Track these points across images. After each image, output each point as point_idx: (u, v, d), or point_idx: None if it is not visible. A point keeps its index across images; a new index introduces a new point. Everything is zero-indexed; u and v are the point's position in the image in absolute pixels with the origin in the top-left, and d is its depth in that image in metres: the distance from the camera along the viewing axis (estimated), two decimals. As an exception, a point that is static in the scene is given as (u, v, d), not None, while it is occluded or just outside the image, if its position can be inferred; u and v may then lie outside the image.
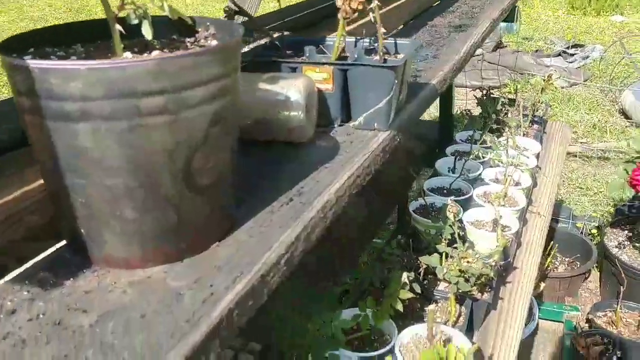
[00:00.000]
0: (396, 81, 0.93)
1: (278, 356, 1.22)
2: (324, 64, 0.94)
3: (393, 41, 1.05)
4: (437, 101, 2.78)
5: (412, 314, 1.36)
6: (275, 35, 1.06)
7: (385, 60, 0.96)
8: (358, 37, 1.05)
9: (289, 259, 0.68)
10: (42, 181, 0.68)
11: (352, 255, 1.94)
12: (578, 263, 2.92)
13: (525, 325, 2.34)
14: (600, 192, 3.94)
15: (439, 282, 1.48)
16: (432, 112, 3.71)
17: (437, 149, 2.46)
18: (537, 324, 2.72)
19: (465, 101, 4.06)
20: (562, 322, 2.72)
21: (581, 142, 4.73)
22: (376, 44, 0.96)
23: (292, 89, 0.87)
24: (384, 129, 0.97)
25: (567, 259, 2.98)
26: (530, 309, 2.46)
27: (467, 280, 1.28)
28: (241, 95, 0.91)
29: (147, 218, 0.60)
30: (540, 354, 2.62)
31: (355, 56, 0.99)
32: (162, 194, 0.59)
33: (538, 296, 2.73)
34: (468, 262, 1.26)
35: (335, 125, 0.99)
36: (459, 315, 1.39)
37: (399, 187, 2.29)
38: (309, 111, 0.90)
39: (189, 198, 0.62)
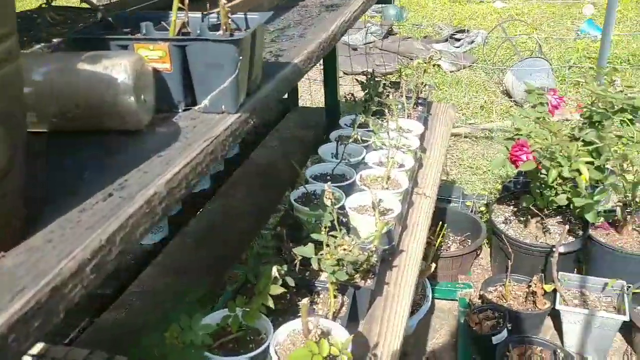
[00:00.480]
0: (241, 57, 0.84)
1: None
2: (157, 40, 0.83)
3: (243, 16, 0.96)
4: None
5: (291, 309, 1.28)
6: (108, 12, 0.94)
7: (231, 35, 0.87)
8: (205, 12, 0.95)
9: (98, 265, 0.57)
10: None
11: (238, 251, 1.85)
12: (469, 241, 2.99)
13: (420, 306, 2.35)
14: (489, 170, 4.08)
15: (320, 273, 1.42)
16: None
17: (325, 136, 2.41)
18: (433, 304, 2.76)
19: (352, 86, 4.05)
20: (457, 300, 2.77)
21: (470, 124, 4.89)
22: (223, 18, 0.87)
23: (117, 69, 0.76)
24: (233, 112, 0.87)
25: (458, 238, 3.05)
26: (424, 290, 2.47)
27: (344, 268, 1.22)
28: (57, 77, 0.79)
29: None
30: (437, 333, 2.66)
31: (198, 32, 0.89)
32: None
33: (432, 277, 2.76)
34: (345, 249, 1.20)
35: (180, 110, 0.89)
36: (342, 306, 1.33)
37: (288, 177, 2.22)
38: (141, 94, 0.79)
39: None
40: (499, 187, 3.63)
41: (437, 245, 2.51)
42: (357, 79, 2.24)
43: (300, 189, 1.67)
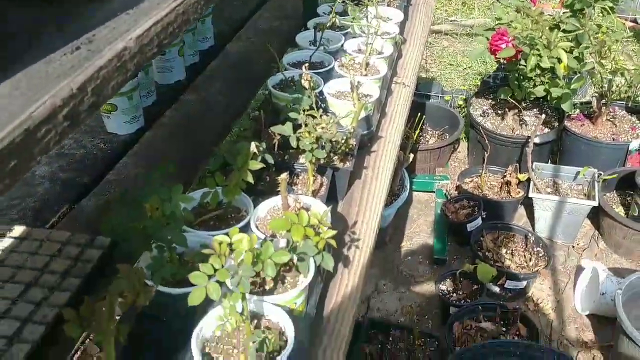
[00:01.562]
0: None
1: (128, 247, 1.13)
2: None
3: None
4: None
5: (270, 190, 1.29)
6: None
7: None
8: None
9: (71, 113, 0.56)
10: None
11: (214, 143, 1.84)
12: (447, 135, 3.01)
13: (399, 196, 2.40)
14: (469, 67, 4.05)
15: (299, 156, 1.42)
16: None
17: (303, 27, 2.35)
18: (411, 196, 2.82)
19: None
20: (434, 192, 2.83)
21: (451, 20, 4.79)
22: None
23: None
24: (204, -28, 0.83)
25: (437, 132, 3.07)
26: (403, 181, 2.52)
27: (323, 148, 1.23)
28: None
29: None
30: (415, 223, 2.73)
31: None
32: None
33: (411, 170, 2.81)
34: (323, 128, 1.20)
35: (148, -28, 0.84)
36: (321, 186, 1.35)
37: (264, 70, 2.18)
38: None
39: None
40: (478, 82, 3.62)
41: (415, 137, 2.53)
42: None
43: (278, 75, 1.64)
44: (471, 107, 2.91)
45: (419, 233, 2.67)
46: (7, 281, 1.16)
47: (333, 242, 1.02)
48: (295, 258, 1.01)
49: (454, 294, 2.22)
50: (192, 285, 0.92)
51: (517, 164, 2.63)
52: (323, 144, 1.24)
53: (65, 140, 0.57)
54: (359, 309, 1.39)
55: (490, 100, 2.93)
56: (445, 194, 2.79)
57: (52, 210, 1.45)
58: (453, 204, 2.61)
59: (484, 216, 2.52)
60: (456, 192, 2.79)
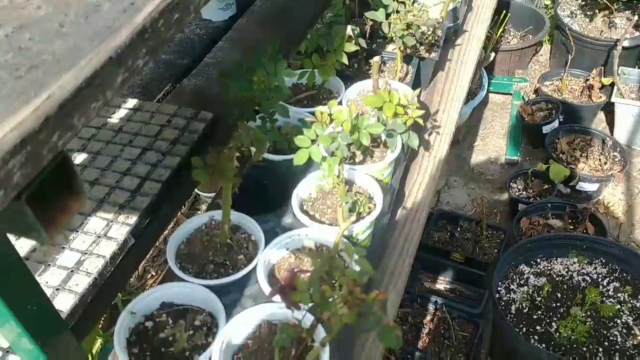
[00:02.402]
0: None
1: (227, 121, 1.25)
2: None
3: None
4: None
5: (360, 76, 1.37)
6: None
7: None
8: None
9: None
10: None
11: (305, 32, 1.90)
12: (530, 36, 2.94)
13: (476, 95, 2.42)
14: (559, -35, 3.82)
15: (386, 45, 1.47)
16: None
17: None
18: (487, 97, 2.82)
19: None
20: (511, 94, 2.82)
21: None
22: None
23: None
24: None
25: (519, 33, 3.00)
26: (481, 80, 2.52)
27: (413, 36, 1.28)
28: None
29: None
30: (489, 124, 2.75)
31: None
32: None
33: (489, 69, 2.79)
34: (414, 15, 1.24)
35: None
36: (406, 74, 1.41)
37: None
38: None
39: None
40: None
41: (497, 36, 2.50)
42: None
43: (368, -35, 1.66)
44: (559, 7, 2.81)
45: (492, 134, 2.70)
46: (126, 145, 1.32)
47: (420, 121, 1.10)
48: (383, 136, 1.10)
49: (524, 192, 2.28)
50: (290, 153, 1.03)
51: (602, 68, 2.56)
52: (413, 32, 1.28)
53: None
54: (436, 187, 1.48)
55: (579, 1, 2.82)
56: (522, 96, 2.77)
57: (157, 88, 1.59)
58: (530, 106, 2.60)
59: (562, 120, 2.50)
60: (534, 95, 2.76)
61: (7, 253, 0.60)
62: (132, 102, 1.43)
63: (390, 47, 1.46)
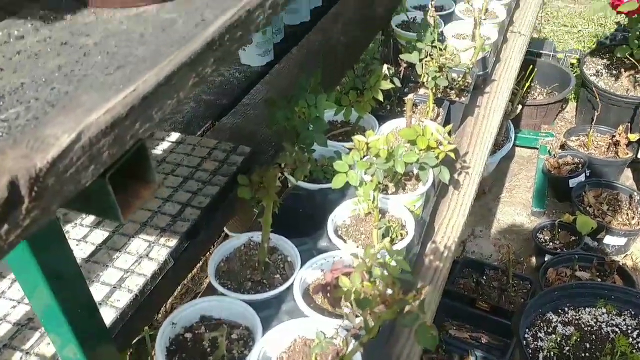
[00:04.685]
0: None
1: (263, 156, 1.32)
2: None
3: None
4: None
5: (392, 117, 1.43)
6: None
7: None
8: None
9: (273, 3, 0.72)
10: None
11: (338, 76, 1.99)
12: (556, 93, 3.00)
13: (502, 146, 2.47)
14: (585, 28, 3.93)
15: (418, 89, 1.54)
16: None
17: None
18: (514, 151, 2.87)
19: None
20: (537, 148, 2.86)
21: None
22: None
23: None
24: None
25: (545, 90, 3.06)
26: (507, 132, 2.57)
27: (445, 78, 1.34)
28: None
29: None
30: (515, 177, 2.79)
31: None
32: None
33: (515, 123, 2.84)
34: (447, 58, 1.31)
35: None
36: (437, 116, 1.47)
37: (385, 12, 2.29)
38: None
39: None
40: (593, 45, 3.53)
41: (524, 90, 2.56)
42: None
43: (401, 15, 1.76)
44: (584, 65, 2.88)
45: (518, 186, 2.73)
46: (169, 174, 1.39)
47: (453, 155, 1.14)
48: (415, 169, 1.15)
49: (551, 243, 2.28)
50: (325, 183, 1.08)
51: (629, 124, 2.60)
52: (445, 74, 1.35)
53: (269, 22, 0.73)
54: (462, 237, 1.52)
55: (605, 60, 2.89)
56: (549, 150, 2.80)
57: (197, 125, 1.67)
58: (556, 160, 2.63)
59: (588, 174, 2.53)
60: (560, 149, 2.80)
61: (67, 256, 0.65)
62: (174, 136, 1.51)
63: (421, 91, 1.53)
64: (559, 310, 1.82)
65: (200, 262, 2.34)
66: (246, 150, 1.46)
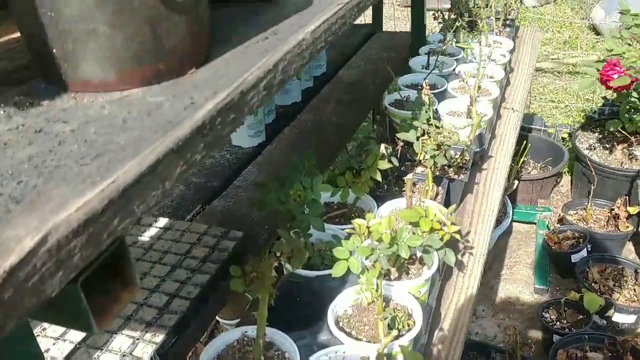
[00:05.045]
0: None
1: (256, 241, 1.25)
2: None
3: None
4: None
5: (390, 197, 1.38)
6: None
7: None
8: None
9: (267, 84, 0.68)
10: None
11: (329, 157, 1.95)
12: (550, 167, 2.99)
13: (500, 222, 2.41)
14: (572, 103, 3.99)
15: (415, 167, 1.50)
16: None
17: (411, 56, 2.45)
18: (511, 227, 2.81)
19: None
20: (535, 223, 2.81)
21: (552, 59, 4.76)
22: None
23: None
24: (358, -15, 0.95)
25: (539, 164, 3.05)
26: (505, 208, 2.52)
27: (444, 156, 1.30)
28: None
29: (121, 34, 0.59)
30: (514, 253, 2.72)
31: None
32: (135, 6, 0.58)
33: (512, 199, 2.81)
34: (444, 136, 1.28)
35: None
36: (436, 195, 1.42)
37: (375, 93, 2.30)
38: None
39: (165, 16, 0.60)
40: (581, 119, 3.57)
41: (519, 165, 2.54)
42: (434, 14, 2.24)
43: (394, 94, 1.74)
44: (577, 139, 2.88)
45: (519, 263, 2.65)
46: (156, 262, 1.31)
47: (458, 236, 1.08)
48: (419, 252, 1.09)
49: (558, 323, 2.18)
50: (323, 269, 1.01)
51: (627, 197, 2.57)
52: (443, 152, 1.31)
53: (263, 103, 0.68)
54: (472, 312, 1.43)
55: (597, 134, 2.89)
56: (547, 225, 2.75)
57: (187, 209, 1.61)
58: (556, 235, 2.57)
59: (589, 249, 2.46)
60: (559, 224, 2.75)
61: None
62: (162, 222, 1.44)
63: (419, 169, 1.49)
64: (574, 398, 1.71)
65: (190, 353, 2.21)
66: (238, 235, 1.39)
